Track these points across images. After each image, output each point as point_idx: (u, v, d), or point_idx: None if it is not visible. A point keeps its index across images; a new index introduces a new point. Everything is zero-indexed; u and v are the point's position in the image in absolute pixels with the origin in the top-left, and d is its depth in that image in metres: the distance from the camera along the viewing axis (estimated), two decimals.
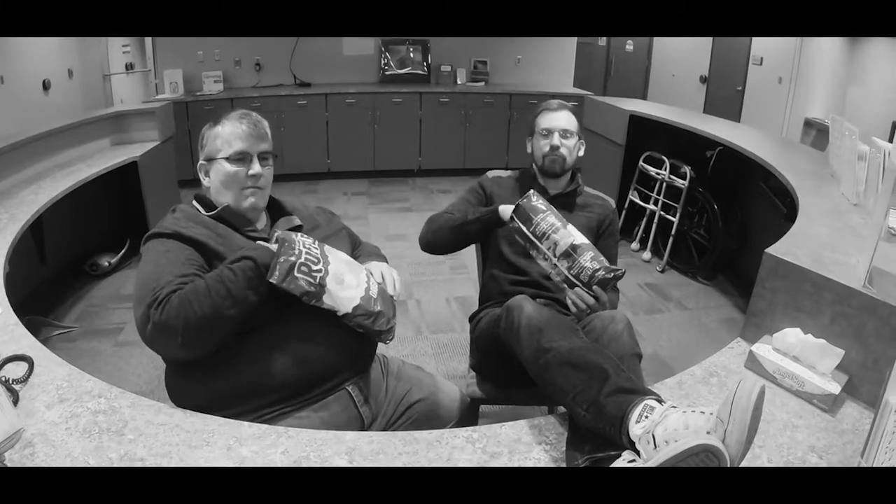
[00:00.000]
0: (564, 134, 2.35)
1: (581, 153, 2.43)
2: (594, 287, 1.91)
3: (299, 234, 1.76)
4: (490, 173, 2.58)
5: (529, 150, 2.47)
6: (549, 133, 2.36)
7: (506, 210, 2.16)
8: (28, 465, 1.31)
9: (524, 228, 2.03)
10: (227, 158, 1.82)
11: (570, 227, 2.01)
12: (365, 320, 1.75)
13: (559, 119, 2.38)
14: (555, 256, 1.97)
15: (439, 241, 2.32)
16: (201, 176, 1.90)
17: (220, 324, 1.56)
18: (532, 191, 2.11)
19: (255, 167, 1.82)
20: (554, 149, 2.34)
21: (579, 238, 1.98)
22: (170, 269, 1.61)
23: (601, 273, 1.91)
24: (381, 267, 1.98)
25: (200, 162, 1.89)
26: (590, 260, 1.92)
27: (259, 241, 1.70)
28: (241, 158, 1.82)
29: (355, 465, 1.37)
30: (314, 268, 1.68)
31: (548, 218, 2.01)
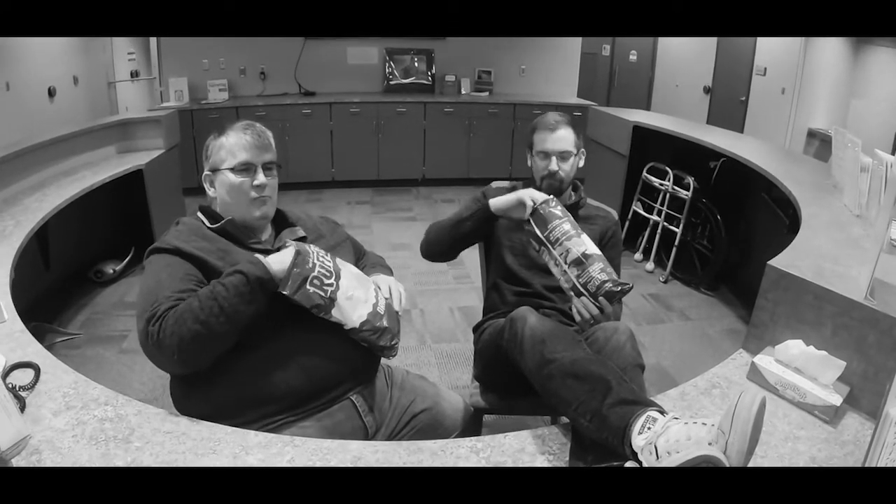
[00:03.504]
0: (562, 156, 2.31)
1: (581, 164, 2.39)
2: (600, 299, 1.93)
3: (314, 246, 1.77)
4: (494, 184, 2.58)
5: (529, 164, 2.43)
6: (546, 156, 2.33)
7: (496, 203, 2.18)
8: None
9: (539, 232, 2.05)
10: (232, 169, 1.83)
11: (584, 237, 2.02)
12: (370, 336, 1.76)
13: (557, 141, 2.32)
14: (565, 263, 1.98)
15: (436, 245, 2.32)
16: (206, 187, 1.91)
17: (213, 340, 1.56)
18: (552, 196, 2.12)
19: (260, 177, 1.83)
20: (552, 174, 2.31)
21: (591, 248, 1.99)
22: (169, 283, 1.63)
23: (608, 285, 1.92)
24: (389, 281, 1.98)
25: (205, 173, 1.90)
26: (599, 271, 1.94)
27: (256, 255, 1.69)
28: (246, 169, 1.83)
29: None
30: (326, 281, 1.69)
31: (563, 225, 2.02)
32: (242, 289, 1.59)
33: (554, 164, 2.30)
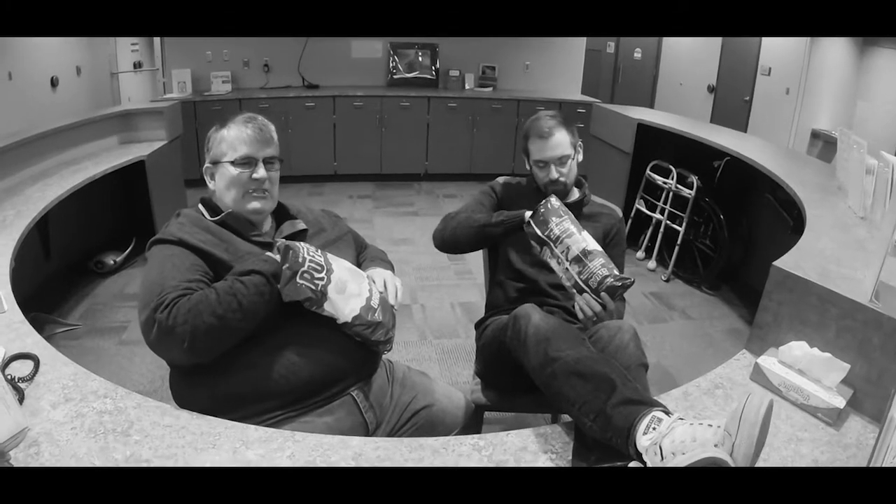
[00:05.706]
0: (561, 161, 2.28)
1: (580, 158, 2.35)
2: (602, 294, 1.92)
3: (303, 243, 1.76)
4: (501, 179, 2.57)
5: (528, 167, 2.41)
6: (545, 164, 2.30)
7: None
8: (33, 465, 1.31)
9: (539, 232, 2.04)
10: (232, 162, 1.82)
11: (585, 234, 2.01)
12: (363, 330, 1.75)
13: (553, 147, 2.28)
14: (567, 260, 1.98)
15: (457, 239, 2.27)
16: (207, 179, 1.90)
17: (228, 335, 1.58)
18: (553, 196, 2.11)
19: (260, 172, 1.82)
20: (554, 181, 2.28)
21: (592, 244, 1.98)
22: (175, 273, 1.62)
23: (610, 280, 1.91)
24: (385, 275, 1.97)
25: (206, 165, 1.89)
26: (600, 266, 1.93)
27: (267, 253, 1.70)
28: (246, 163, 1.82)
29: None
30: (317, 275, 1.68)
31: (563, 223, 2.01)
32: (262, 288, 1.61)
33: (554, 173, 2.27)
